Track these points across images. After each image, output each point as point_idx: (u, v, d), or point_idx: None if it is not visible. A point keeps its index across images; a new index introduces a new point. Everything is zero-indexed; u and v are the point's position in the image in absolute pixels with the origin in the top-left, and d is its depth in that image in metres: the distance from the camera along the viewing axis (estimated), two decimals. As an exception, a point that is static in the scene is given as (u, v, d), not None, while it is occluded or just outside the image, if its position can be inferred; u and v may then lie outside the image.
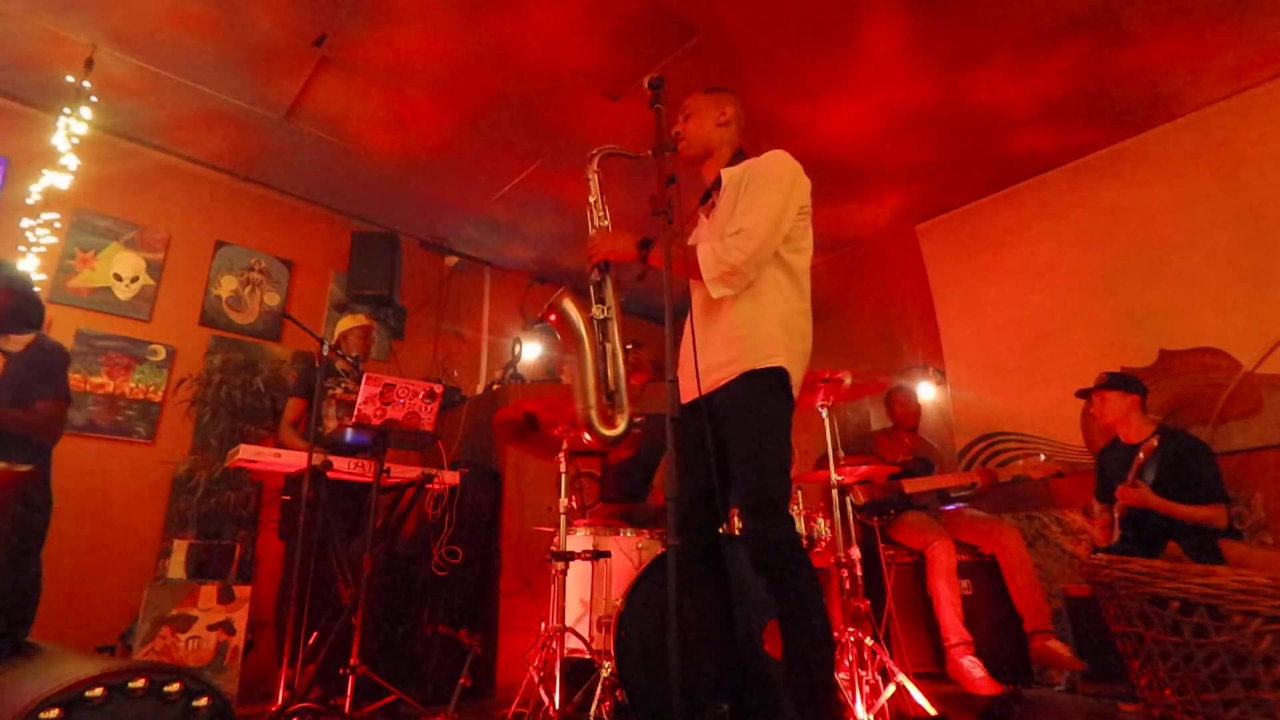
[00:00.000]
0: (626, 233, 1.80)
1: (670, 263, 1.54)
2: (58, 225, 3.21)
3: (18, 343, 2.21)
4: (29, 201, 3.12)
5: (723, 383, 1.73)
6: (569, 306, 1.78)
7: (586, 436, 1.74)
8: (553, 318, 1.78)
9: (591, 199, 1.91)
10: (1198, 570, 1.79)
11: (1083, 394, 2.98)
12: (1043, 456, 3.05)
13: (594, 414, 1.70)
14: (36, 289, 2.45)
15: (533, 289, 5.57)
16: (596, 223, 1.89)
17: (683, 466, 1.78)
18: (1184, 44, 3.10)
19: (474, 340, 5.16)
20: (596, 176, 1.92)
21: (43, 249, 3.16)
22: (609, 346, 1.75)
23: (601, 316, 1.76)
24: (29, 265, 3.11)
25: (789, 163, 1.80)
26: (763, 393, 1.68)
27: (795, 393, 1.74)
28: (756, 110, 3.54)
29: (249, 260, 4.16)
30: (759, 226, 1.69)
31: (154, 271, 3.78)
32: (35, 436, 2.15)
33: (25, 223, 3.11)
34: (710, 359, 1.77)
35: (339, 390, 3.22)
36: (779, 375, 1.69)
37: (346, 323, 3.43)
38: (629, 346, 1.79)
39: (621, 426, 1.71)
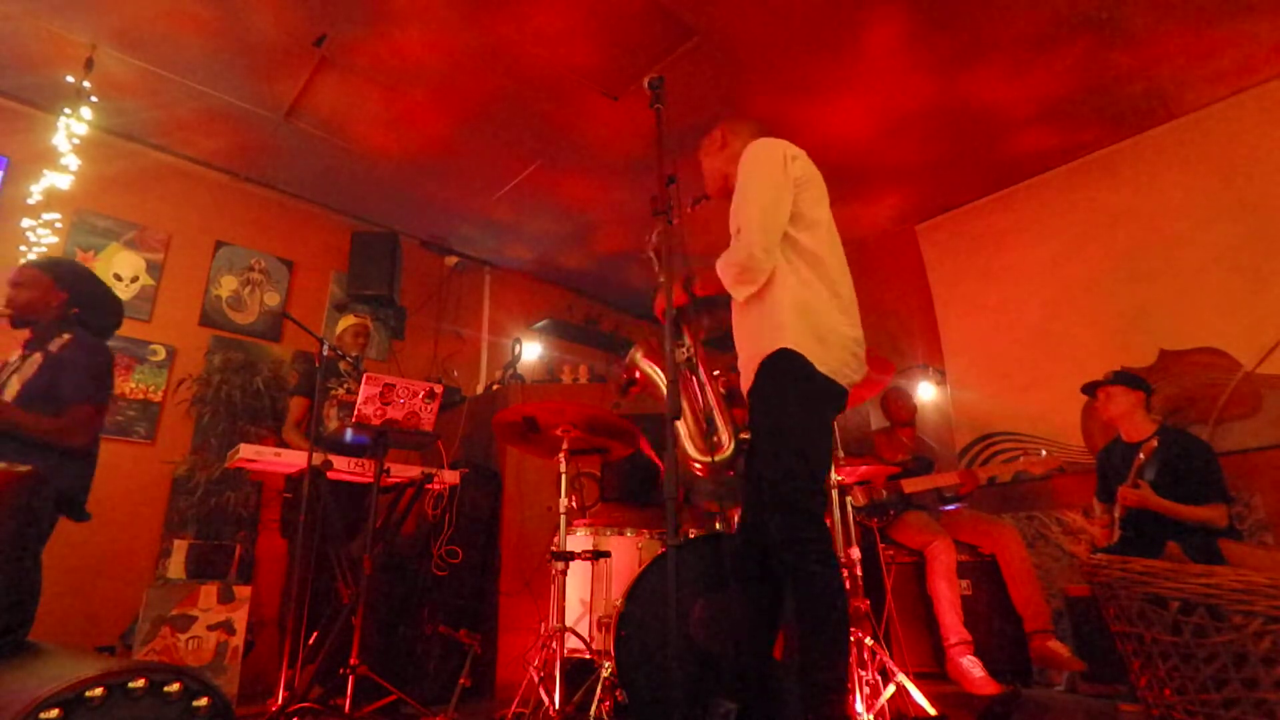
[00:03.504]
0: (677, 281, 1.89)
1: (670, 270, 1.56)
2: (59, 225, 3.21)
3: (58, 343, 2.11)
4: (30, 201, 3.12)
5: (750, 380, 1.75)
6: (641, 360, 1.97)
7: (697, 467, 1.88)
8: (637, 375, 1.97)
9: (656, 269, 1.98)
10: (1198, 570, 1.79)
11: (1088, 389, 2.98)
12: (1044, 452, 3.05)
13: (698, 443, 1.85)
14: (105, 287, 2.34)
15: (535, 287, 5.57)
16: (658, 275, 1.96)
17: (746, 467, 1.82)
18: (1184, 44, 3.10)
19: (474, 340, 5.16)
20: (654, 251, 2.03)
21: (44, 249, 3.15)
22: (696, 380, 1.89)
23: (685, 357, 1.89)
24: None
25: (760, 148, 1.79)
26: (774, 380, 1.66)
27: (840, 376, 1.67)
28: (757, 110, 3.54)
29: (249, 260, 4.16)
30: (751, 219, 1.70)
31: (154, 271, 3.78)
32: (58, 442, 2.02)
33: (26, 222, 3.11)
34: (740, 360, 1.81)
35: (341, 391, 3.22)
36: (787, 357, 1.63)
37: (343, 323, 3.45)
38: (716, 373, 1.94)
39: (729, 447, 1.84)
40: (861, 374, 1.76)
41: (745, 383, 1.78)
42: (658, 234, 1.96)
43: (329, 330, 4.27)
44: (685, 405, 1.86)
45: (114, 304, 2.34)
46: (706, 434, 1.84)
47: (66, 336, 2.14)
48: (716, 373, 1.91)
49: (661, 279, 1.92)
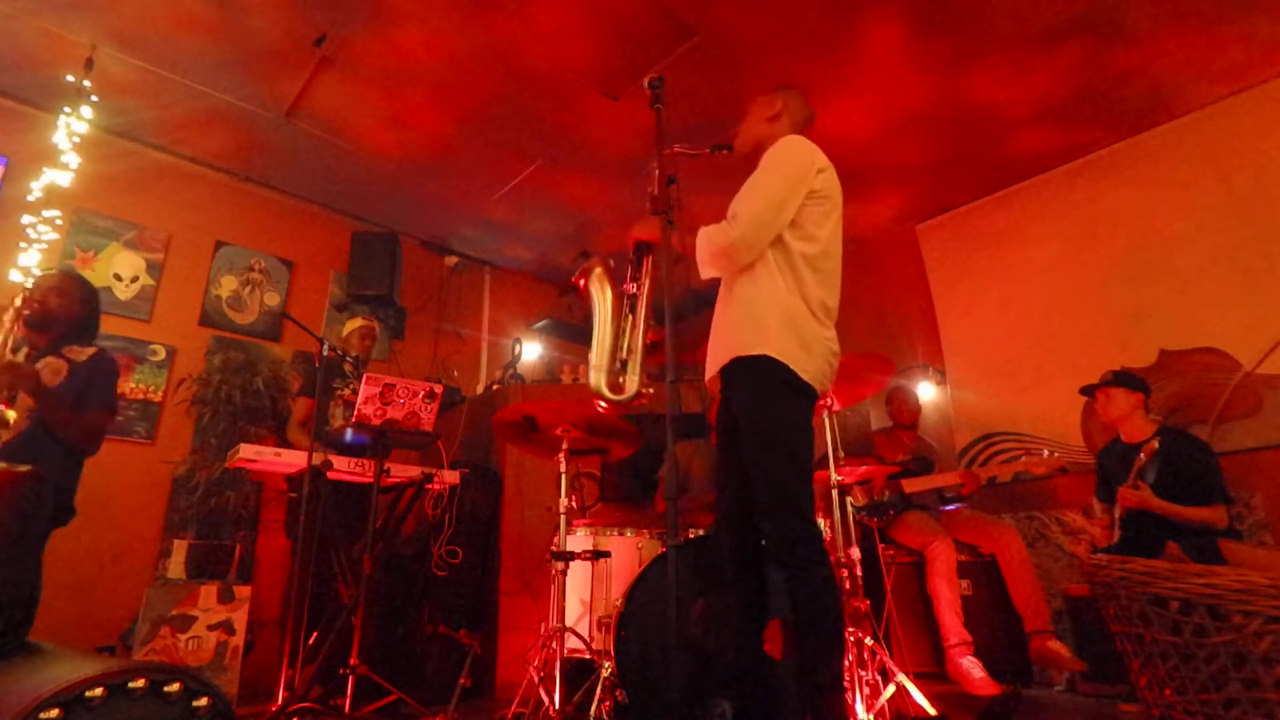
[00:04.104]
0: (659, 219, 1.82)
1: (670, 262, 1.56)
2: (59, 222, 3.20)
3: (81, 353, 2.33)
4: (30, 199, 3.12)
5: (717, 367, 1.76)
6: (595, 276, 1.92)
7: (602, 405, 1.81)
8: (582, 283, 1.92)
9: (652, 191, 1.94)
10: (1198, 570, 1.79)
11: (1086, 390, 2.98)
12: (1046, 452, 3.04)
13: (603, 378, 1.79)
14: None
15: (536, 286, 5.58)
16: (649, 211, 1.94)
17: (722, 465, 1.81)
18: (1184, 44, 3.10)
19: (474, 340, 5.16)
20: (658, 173, 1.94)
21: (44, 245, 3.14)
22: (631, 319, 1.85)
23: (632, 292, 1.87)
24: (30, 261, 3.09)
25: (792, 146, 1.77)
26: (763, 386, 1.66)
27: (818, 384, 1.68)
28: (756, 110, 3.54)
29: (249, 260, 4.16)
30: (748, 210, 1.70)
31: (154, 271, 3.78)
32: (80, 442, 2.23)
33: (27, 219, 3.10)
34: (716, 345, 1.80)
35: (347, 391, 3.23)
36: (773, 366, 1.64)
37: (350, 325, 3.46)
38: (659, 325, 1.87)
39: (630, 390, 1.79)
40: (832, 382, 1.77)
41: (711, 369, 1.79)
42: (659, 157, 1.93)
43: (331, 331, 4.27)
44: (609, 335, 1.84)
45: (99, 320, 2.56)
46: (616, 372, 1.82)
47: (91, 349, 2.37)
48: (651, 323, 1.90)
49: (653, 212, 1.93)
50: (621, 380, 1.80)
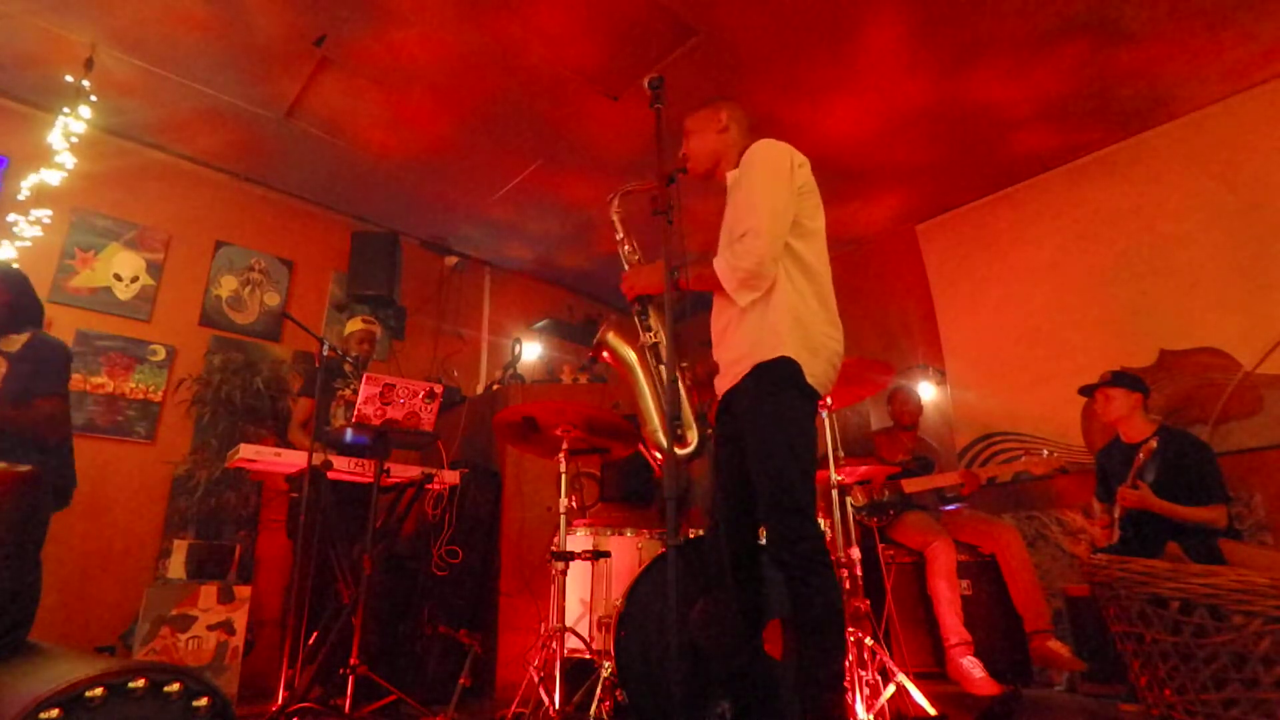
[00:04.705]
0: (655, 266, 1.84)
1: (677, 273, 1.56)
2: (47, 221, 3.18)
3: (15, 342, 2.24)
4: (20, 198, 3.11)
5: (737, 380, 1.73)
6: (615, 340, 1.91)
7: (658, 455, 1.80)
8: (605, 355, 1.90)
9: (618, 237, 2.01)
10: (1198, 570, 1.79)
11: (1085, 391, 2.98)
12: (1046, 452, 3.04)
13: (662, 435, 1.76)
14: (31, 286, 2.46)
15: (534, 287, 5.58)
16: (627, 258, 1.98)
17: (718, 468, 1.80)
18: (1184, 44, 3.10)
19: (474, 340, 5.16)
20: (619, 216, 2.01)
21: (27, 243, 3.12)
22: (663, 369, 1.82)
23: (651, 343, 1.84)
24: (6, 256, 3.07)
25: (772, 149, 1.77)
26: (771, 386, 1.66)
27: (822, 388, 1.69)
28: (757, 110, 3.54)
29: (249, 260, 4.16)
30: (760, 223, 1.68)
31: (154, 271, 3.78)
32: (37, 436, 2.17)
33: (12, 217, 3.09)
34: (726, 356, 1.79)
35: (347, 391, 3.23)
36: (786, 366, 1.64)
37: (350, 326, 3.46)
38: (684, 365, 1.86)
39: (693, 442, 1.78)
40: (833, 384, 1.78)
41: (727, 382, 1.77)
42: (619, 198, 1.99)
43: (331, 331, 4.27)
44: (650, 393, 1.84)
45: (40, 309, 2.45)
46: (676, 424, 1.80)
47: (25, 335, 2.28)
48: (685, 364, 1.86)
49: (637, 258, 1.96)
50: (681, 431, 1.79)
